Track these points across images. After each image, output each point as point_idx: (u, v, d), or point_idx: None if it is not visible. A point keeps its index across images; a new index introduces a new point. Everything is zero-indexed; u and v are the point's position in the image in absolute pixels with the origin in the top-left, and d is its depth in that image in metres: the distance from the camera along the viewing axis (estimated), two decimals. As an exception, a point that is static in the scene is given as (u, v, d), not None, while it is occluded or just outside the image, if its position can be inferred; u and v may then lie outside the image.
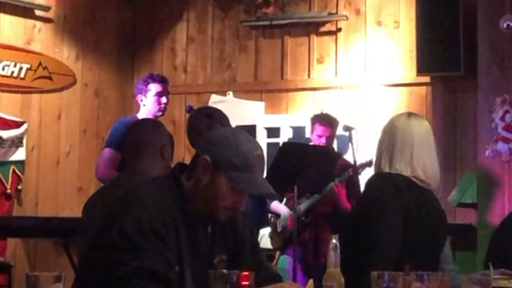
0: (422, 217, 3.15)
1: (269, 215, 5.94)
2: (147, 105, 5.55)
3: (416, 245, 3.12)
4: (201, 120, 4.34)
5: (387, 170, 3.21)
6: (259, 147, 2.56)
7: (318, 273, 5.33)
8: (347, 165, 5.85)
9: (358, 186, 5.56)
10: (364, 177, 5.54)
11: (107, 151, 5.31)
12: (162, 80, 5.64)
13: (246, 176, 2.47)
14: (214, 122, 4.32)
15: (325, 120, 5.98)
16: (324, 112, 6.17)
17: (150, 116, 5.49)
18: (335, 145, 6.59)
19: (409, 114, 3.35)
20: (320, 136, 5.92)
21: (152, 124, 3.88)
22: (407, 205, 3.12)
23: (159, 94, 5.57)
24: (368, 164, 5.80)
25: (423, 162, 3.20)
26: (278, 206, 5.92)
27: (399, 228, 3.08)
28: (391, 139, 3.24)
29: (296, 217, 5.46)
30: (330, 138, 5.94)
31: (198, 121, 4.37)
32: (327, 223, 5.73)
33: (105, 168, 5.25)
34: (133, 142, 3.57)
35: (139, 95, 5.57)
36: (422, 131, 3.25)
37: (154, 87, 5.56)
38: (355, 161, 5.78)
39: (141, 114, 5.55)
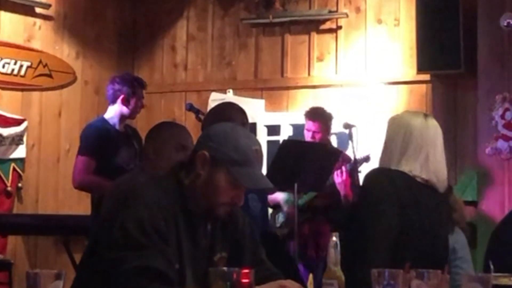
0: (420, 213, 3.15)
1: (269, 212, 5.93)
2: (131, 106, 5.49)
3: (416, 241, 3.12)
4: (238, 115, 4.35)
5: (393, 167, 3.20)
6: (257, 142, 2.58)
7: (319, 267, 5.32)
8: (347, 157, 5.85)
9: (358, 180, 5.56)
10: (363, 172, 5.54)
11: (81, 159, 5.26)
12: (145, 85, 5.67)
13: (245, 171, 2.48)
14: (246, 118, 4.36)
15: (312, 115, 6.04)
16: (317, 106, 6.20)
17: (124, 116, 5.48)
18: (335, 142, 6.59)
19: (425, 115, 3.34)
20: (308, 130, 5.97)
21: None
22: (404, 200, 3.11)
23: (142, 99, 5.58)
24: (366, 159, 5.81)
25: (436, 165, 3.20)
26: (275, 195, 5.90)
27: (393, 224, 3.08)
28: (406, 138, 3.22)
29: (297, 212, 5.45)
30: (318, 133, 5.95)
31: (238, 114, 4.37)
32: (325, 217, 5.75)
33: (81, 175, 5.22)
34: None
35: (123, 95, 5.47)
36: (438, 134, 3.26)
37: (141, 92, 5.56)
38: (355, 158, 5.77)
39: (114, 114, 5.47)
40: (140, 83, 5.59)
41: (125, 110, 5.45)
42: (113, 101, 5.47)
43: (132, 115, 5.53)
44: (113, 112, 5.46)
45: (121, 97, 5.43)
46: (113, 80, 5.57)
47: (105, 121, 5.43)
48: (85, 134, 5.39)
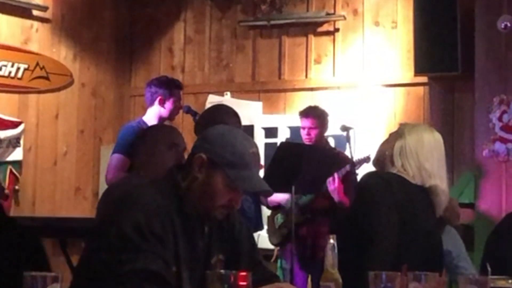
0: (415, 214, 3.16)
1: (266, 214, 5.92)
2: (168, 108, 5.48)
3: (411, 243, 3.12)
4: (231, 118, 4.34)
5: (386, 168, 3.22)
6: (254, 145, 2.57)
7: (316, 268, 5.32)
8: (345, 159, 5.83)
9: (355, 182, 5.55)
10: (362, 173, 5.54)
11: (116, 157, 5.28)
12: (181, 86, 5.66)
13: (242, 174, 2.48)
14: (239, 121, 4.35)
15: (305, 112, 6.01)
16: (310, 105, 6.18)
17: (162, 118, 5.47)
18: (332, 145, 6.59)
19: (426, 127, 3.40)
20: (303, 128, 5.94)
21: None
22: (400, 202, 3.12)
23: (180, 101, 5.57)
24: (366, 160, 5.79)
25: (429, 167, 3.21)
26: (274, 196, 5.83)
27: (394, 226, 3.08)
28: (399, 141, 3.25)
29: (293, 214, 5.44)
30: (314, 129, 5.91)
31: (232, 117, 4.36)
32: (324, 218, 5.73)
33: (115, 172, 5.23)
34: None
35: (160, 97, 5.47)
36: (433, 140, 3.29)
37: (178, 94, 5.55)
38: (352, 161, 5.76)
39: (151, 117, 5.47)
40: (177, 85, 5.57)
41: (163, 111, 5.46)
42: (151, 104, 5.48)
43: (170, 116, 5.52)
44: (152, 114, 5.47)
45: (158, 98, 5.44)
46: (150, 83, 5.58)
47: (143, 122, 5.42)
48: (122, 133, 5.39)
